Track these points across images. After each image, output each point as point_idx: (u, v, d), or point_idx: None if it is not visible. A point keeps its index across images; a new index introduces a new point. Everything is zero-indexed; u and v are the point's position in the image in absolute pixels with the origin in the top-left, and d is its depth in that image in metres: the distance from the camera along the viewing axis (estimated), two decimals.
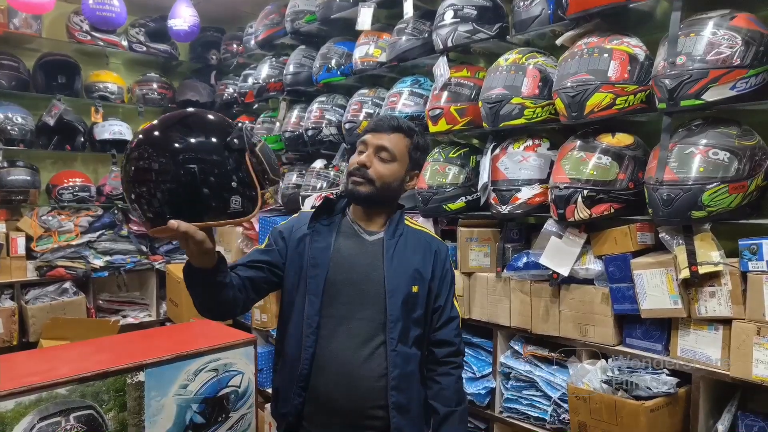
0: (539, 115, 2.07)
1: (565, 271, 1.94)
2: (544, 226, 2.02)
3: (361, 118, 2.83)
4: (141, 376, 2.19)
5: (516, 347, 2.17)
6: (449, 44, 2.35)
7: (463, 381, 2.23)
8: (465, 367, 2.27)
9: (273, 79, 3.55)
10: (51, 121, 3.70)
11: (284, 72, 3.39)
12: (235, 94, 4.06)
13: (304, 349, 1.44)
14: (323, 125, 3.07)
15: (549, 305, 2.03)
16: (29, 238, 3.62)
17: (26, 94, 3.77)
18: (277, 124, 3.56)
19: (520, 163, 2.11)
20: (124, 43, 4.10)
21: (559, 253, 1.97)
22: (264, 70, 3.60)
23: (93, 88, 4.03)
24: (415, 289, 1.47)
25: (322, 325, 1.44)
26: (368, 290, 1.45)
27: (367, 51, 2.86)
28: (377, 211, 1.53)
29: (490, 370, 2.23)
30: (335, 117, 3.06)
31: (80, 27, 3.87)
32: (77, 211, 3.88)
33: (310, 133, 3.12)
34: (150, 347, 2.45)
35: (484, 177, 2.15)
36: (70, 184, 3.85)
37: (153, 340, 2.67)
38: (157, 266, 4.05)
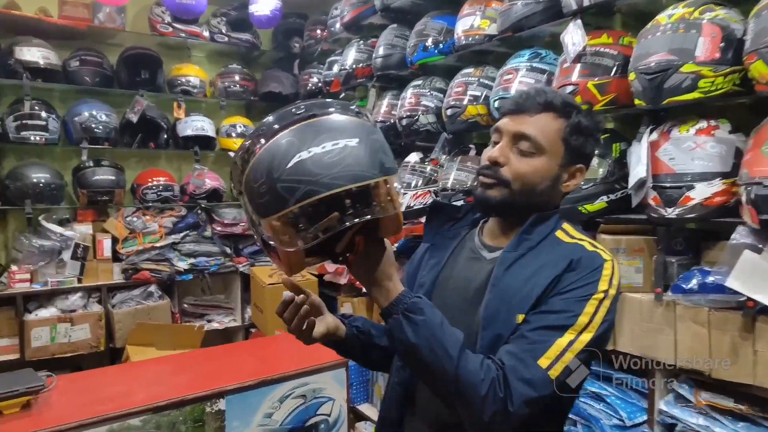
0: (720, 86, 1.55)
1: (765, 299, 1.42)
2: (733, 236, 1.50)
3: (465, 102, 2.41)
4: (221, 404, 1.93)
5: (682, 392, 1.66)
6: (585, 3, 1.86)
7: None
8: (609, 411, 1.80)
9: (361, 65, 3.22)
10: (134, 118, 3.56)
11: (373, 55, 3.04)
12: (320, 84, 3.76)
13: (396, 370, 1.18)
14: (419, 113, 2.68)
15: (739, 342, 1.51)
16: (115, 240, 3.51)
17: (110, 91, 3.66)
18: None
19: (691, 152, 1.59)
20: (206, 33, 3.91)
21: (756, 272, 1.44)
22: (351, 55, 3.27)
23: (175, 82, 3.87)
24: (520, 319, 1.00)
25: None
26: (461, 320, 1.02)
27: (473, 23, 2.43)
28: (519, 222, 1.10)
29: (645, 417, 1.74)
30: (433, 103, 2.66)
31: (162, 18, 3.71)
32: (161, 211, 3.73)
33: (404, 122, 2.73)
34: (231, 367, 2.19)
35: (640, 171, 1.65)
36: (154, 183, 3.70)
37: (235, 358, 2.41)
38: (241, 269, 3.84)
